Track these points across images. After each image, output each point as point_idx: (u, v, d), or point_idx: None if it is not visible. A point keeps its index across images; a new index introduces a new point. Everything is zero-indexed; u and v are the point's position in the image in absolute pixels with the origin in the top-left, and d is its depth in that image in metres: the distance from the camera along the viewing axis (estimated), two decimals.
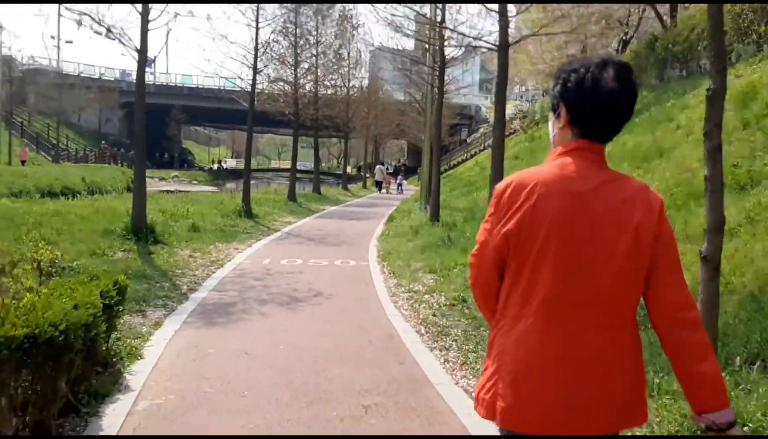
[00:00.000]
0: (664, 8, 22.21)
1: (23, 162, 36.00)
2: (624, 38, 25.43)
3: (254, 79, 17.07)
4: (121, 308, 5.09)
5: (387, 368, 5.15)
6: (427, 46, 15.42)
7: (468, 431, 3.99)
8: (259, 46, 17.51)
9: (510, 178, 1.82)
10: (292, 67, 23.61)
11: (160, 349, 5.50)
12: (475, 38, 9.33)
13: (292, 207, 21.95)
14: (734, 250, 6.23)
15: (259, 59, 17.46)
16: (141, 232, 10.75)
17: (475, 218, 13.51)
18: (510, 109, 56.71)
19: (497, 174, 8.90)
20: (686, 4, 22.43)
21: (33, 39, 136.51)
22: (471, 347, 5.76)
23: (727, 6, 15.29)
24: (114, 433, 3.84)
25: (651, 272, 1.77)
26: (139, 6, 10.52)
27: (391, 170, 49.39)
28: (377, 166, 44.27)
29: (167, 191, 37.76)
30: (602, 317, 1.74)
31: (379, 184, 40.54)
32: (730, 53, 13.76)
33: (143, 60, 10.70)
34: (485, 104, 65.05)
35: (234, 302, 7.32)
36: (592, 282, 1.73)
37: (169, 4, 10.54)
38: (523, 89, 60.17)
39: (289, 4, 22.56)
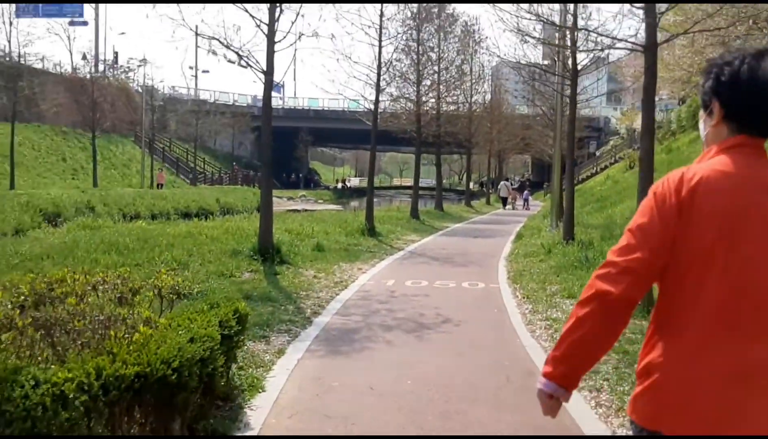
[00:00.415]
0: None
1: (160, 185, 38.37)
2: None
3: (377, 98, 16.94)
4: (241, 338, 4.81)
5: (529, 412, 4.50)
6: (556, 53, 14.58)
7: None
8: (382, 64, 17.41)
9: (669, 175, 1.69)
10: (415, 85, 23.39)
11: (283, 380, 5.18)
12: (615, 39, 8.46)
13: (415, 225, 21.61)
14: None
15: (381, 78, 17.35)
16: (267, 252, 10.72)
17: (613, 236, 12.46)
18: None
19: (645, 187, 7.96)
20: None
21: (173, 70, 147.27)
22: (626, 388, 4.98)
23: None
24: None
25: None
26: (265, 28, 10.57)
27: (515, 185, 48.09)
28: (502, 182, 43.30)
29: (294, 210, 38.89)
30: None
31: (504, 201, 39.62)
32: None
33: (270, 81, 10.73)
34: (614, 116, 62.15)
35: (358, 328, 6.93)
36: (763, 289, 1.63)
37: (295, 23, 10.48)
38: (657, 98, 56.80)
39: (411, 22, 22.40)
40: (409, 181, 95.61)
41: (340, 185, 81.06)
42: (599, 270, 1.73)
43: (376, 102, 16.90)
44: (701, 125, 1.82)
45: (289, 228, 15.10)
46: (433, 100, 26.28)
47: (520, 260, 12.58)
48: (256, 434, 4.11)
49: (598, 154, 55.71)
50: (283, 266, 10.71)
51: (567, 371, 1.78)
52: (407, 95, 23.50)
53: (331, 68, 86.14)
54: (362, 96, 17.08)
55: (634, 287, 1.68)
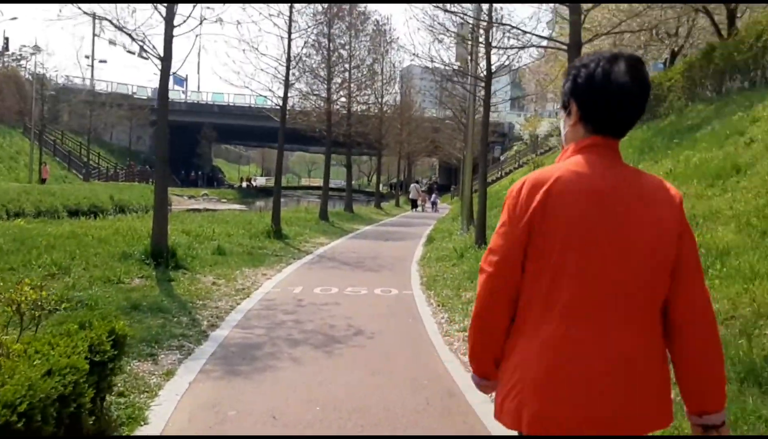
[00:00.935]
0: (720, 17, 20.85)
1: (44, 180, 35.49)
2: (674, 49, 24.06)
3: (286, 93, 16.17)
4: (118, 364, 4.04)
5: None
6: (470, 53, 14.36)
7: None
8: (292, 58, 16.64)
9: (524, 178, 1.77)
10: (325, 82, 22.74)
11: (170, 408, 4.44)
12: (538, 36, 8.19)
13: (324, 227, 20.95)
14: None
15: (290, 72, 16.57)
16: (161, 256, 9.78)
17: None
18: (545, 127, 55.55)
19: None
20: (744, 12, 21.08)
21: (69, 59, 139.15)
22: None
23: None
24: None
25: (675, 270, 1.74)
26: (163, 9, 9.63)
27: (424, 188, 48.43)
28: (412, 185, 43.50)
29: (196, 210, 37.24)
30: (628, 317, 1.70)
31: (413, 203, 39.89)
32: None
33: (167, 69, 9.80)
34: (518, 122, 63.84)
35: (261, 343, 6.24)
36: (617, 282, 1.69)
37: (197, 5, 9.61)
38: (558, 106, 58.80)
39: (322, 17, 21.73)
40: (317, 182, 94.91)
41: (245, 184, 79.07)
42: (480, 275, 1.81)
43: (285, 97, 16.12)
44: (561, 125, 1.87)
45: (187, 229, 14.10)
46: (343, 98, 25.75)
47: (433, 264, 12.21)
48: None
49: (502, 158, 57.05)
50: (178, 271, 9.81)
51: (479, 365, 1.89)
52: (317, 92, 22.82)
53: (237, 59, 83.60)
54: (270, 90, 16.25)
55: (504, 283, 1.76)
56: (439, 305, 8.38)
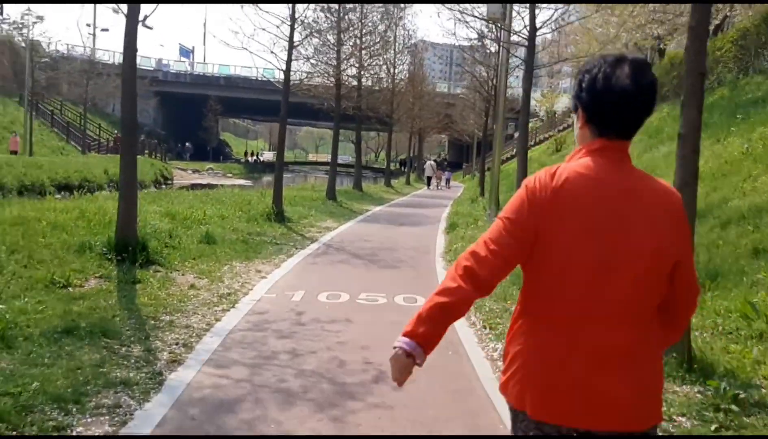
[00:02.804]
0: None
1: (14, 152, 32.69)
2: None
3: (290, 56, 14.01)
4: None
5: None
6: (503, 10, 12.11)
7: None
8: (296, 17, 14.48)
9: (539, 173, 1.82)
10: (334, 48, 20.51)
11: None
12: None
13: (331, 207, 18.89)
14: None
15: (295, 32, 14.41)
16: (127, 249, 7.76)
17: None
18: (563, 102, 53.09)
19: None
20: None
21: (72, 27, 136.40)
22: None
23: None
24: None
25: (674, 270, 1.81)
26: None
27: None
28: (427, 162, 41.73)
29: (198, 185, 35.26)
30: (629, 316, 1.77)
31: (428, 180, 38.47)
32: None
33: (134, 12, 7.70)
34: (534, 97, 61.36)
35: (237, 400, 4.21)
36: (620, 282, 1.74)
37: None
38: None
39: None
40: (324, 157, 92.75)
41: (252, 159, 76.97)
42: (474, 247, 1.83)
43: (288, 60, 13.96)
44: (574, 129, 1.93)
45: (172, 211, 12.06)
46: (354, 68, 23.55)
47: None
48: None
49: (516, 135, 54.78)
50: (150, 268, 7.80)
51: (428, 332, 1.85)
52: (326, 60, 20.59)
53: (234, 16, 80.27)
54: (272, 52, 14.04)
55: (499, 271, 1.81)
56: (485, 327, 6.34)
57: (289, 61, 14.09)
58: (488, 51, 23.77)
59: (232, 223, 12.46)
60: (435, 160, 52.14)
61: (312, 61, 19.06)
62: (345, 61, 21.76)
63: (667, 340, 1.93)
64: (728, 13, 20.27)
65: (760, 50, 16.97)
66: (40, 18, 41.30)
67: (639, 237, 1.75)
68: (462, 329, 6.20)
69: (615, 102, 1.77)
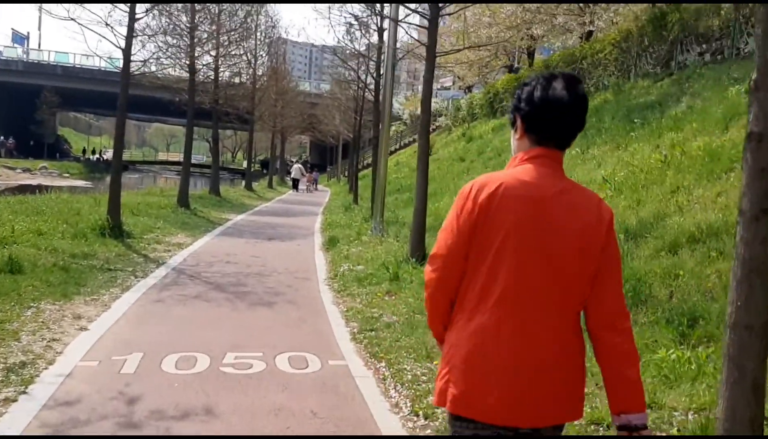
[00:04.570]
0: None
1: None
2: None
3: (130, 29, 11.26)
4: None
5: None
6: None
7: None
8: None
9: (475, 180, 1.92)
10: (186, 30, 17.72)
11: None
12: None
13: (184, 217, 16.13)
14: None
15: (139, 5, 11.68)
16: None
17: None
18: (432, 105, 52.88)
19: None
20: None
21: None
22: None
23: None
24: None
25: (595, 279, 1.89)
26: None
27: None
28: (295, 164, 40.01)
29: (27, 187, 30.51)
30: (552, 315, 1.86)
31: (294, 183, 36.95)
32: None
33: None
34: (396, 100, 60.85)
35: None
36: (546, 283, 1.84)
37: None
38: (437, 86, 56.54)
39: None
40: (176, 156, 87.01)
41: (95, 157, 70.27)
42: (427, 267, 2.01)
43: (129, 36, 11.19)
44: (512, 140, 2.05)
45: None
46: (211, 54, 20.84)
47: (355, 290, 8.10)
48: None
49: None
50: None
51: (436, 334, 2.07)
52: (176, 44, 17.75)
53: None
54: (106, 23, 11.18)
55: (449, 279, 1.94)
56: (413, 407, 4.34)
57: (129, 38, 11.35)
58: (360, 46, 21.98)
59: (51, 241, 9.61)
60: (303, 162, 50.20)
61: (160, 42, 16.18)
62: (199, 48, 19.01)
63: (609, 364, 1.91)
64: (601, 17, 19.95)
65: (642, 53, 16.51)
66: None
67: (568, 235, 1.85)
68: (382, 415, 4.16)
69: (553, 111, 1.91)
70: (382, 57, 16.40)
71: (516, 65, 34.42)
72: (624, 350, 1.88)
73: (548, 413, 1.85)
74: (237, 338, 5.82)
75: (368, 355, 5.50)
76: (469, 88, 44.31)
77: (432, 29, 8.85)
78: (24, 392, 4.24)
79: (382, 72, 16.57)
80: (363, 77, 21.90)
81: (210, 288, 8.01)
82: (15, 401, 4.11)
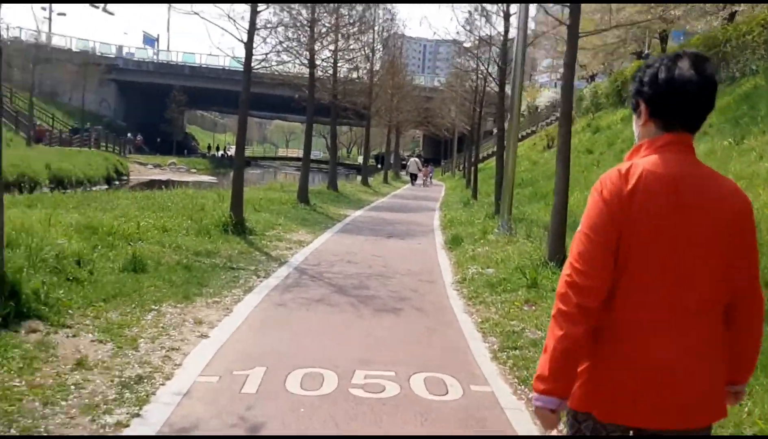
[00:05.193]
0: None
1: None
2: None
3: (252, 22, 11.07)
4: None
5: None
6: None
7: None
8: None
9: (609, 175, 1.80)
10: (307, 24, 17.56)
11: None
12: None
13: (304, 213, 15.98)
14: None
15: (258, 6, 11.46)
16: None
17: None
18: (545, 97, 51.00)
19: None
20: None
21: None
22: None
23: None
24: None
25: (737, 267, 1.80)
26: None
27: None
28: (412, 158, 39.97)
29: (157, 182, 32.01)
30: (699, 311, 1.76)
31: (413, 177, 37.00)
32: None
33: None
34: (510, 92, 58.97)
35: None
36: (696, 284, 1.75)
37: None
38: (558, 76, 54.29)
39: None
40: (295, 152, 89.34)
41: (219, 153, 73.41)
42: (570, 277, 1.76)
43: (251, 28, 11.01)
44: (634, 127, 1.94)
45: (95, 223, 9.09)
46: (329, 49, 20.66)
47: (488, 296, 7.35)
48: None
49: (495, 131, 52.57)
50: (20, 326, 4.92)
51: (565, 384, 1.80)
52: (297, 37, 17.63)
53: None
54: (229, 16, 11.04)
55: (604, 294, 1.75)
56: None
57: (251, 32, 11.16)
58: (480, 34, 21.06)
59: (175, 238, 9.54)
60: (417, 156, 49.95)
61: (280, 37, 16.09)
62: (319, 42, 18.83)
63: (735, 341, 1.86)
64: None
65: None
66: None
67: (716, 225, 1.75)
68: None
69: (680, 94, 1.77)
70: (508, 44, 15.48)
71: (646, 51, 32.21)
72: (757, 331, 1.88)
73: (700, 412, 1.79)
74: (365, 351, 5.26)
75: (516, 380, 4.75)
76: (592, 78, 42.14)
77: (575, 8, 7.90)
78: (137, 415, 3.85)
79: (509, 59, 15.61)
80: (485, 67, 20.98)
81: (333, 291, 7.54)
82: (127, 425, 3.71)
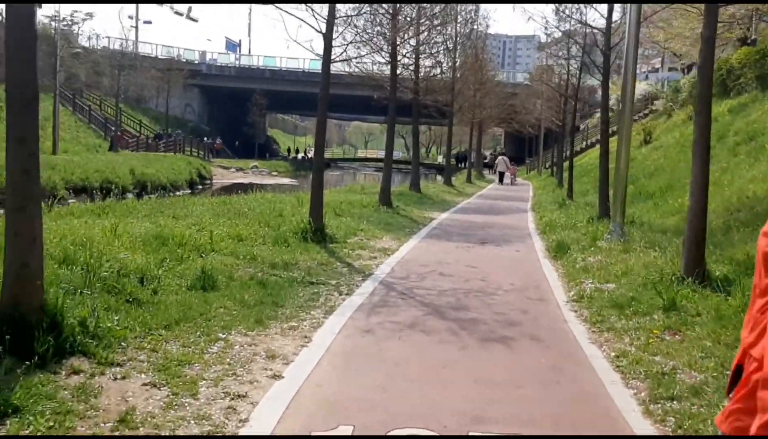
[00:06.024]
0: None
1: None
2: None
3: (332, 12, 10.14)
4: None
5: None
6: None
7: None
8: None
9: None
10: (388, 15, 16.55)
11: None
12: None
13: (386, 216, 14.97)
14: None
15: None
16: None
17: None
18: (640, 89, 48.24)
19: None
20: None
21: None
22: None
23: None
24: None
25: None
26: None
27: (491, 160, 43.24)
28: (499, 157, 39.22)
29: (239, 185, 31.91)
30: None
31: (500, 176, 36.52)
32: None
33: None
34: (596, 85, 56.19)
35: None
36: None
37: None
38: (648, 68, 51.28)
39: None
40: (374, 153, 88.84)
41: (299, 156, 73.77)
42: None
43: (331, 18, 10.08)
44: None
45: (164, 234, 8.35)
46: (411, 45, 19.59)
47: (616, 320, 6.05)
48: None
49: (582, 127, 50.32)
50: (63, 363, 4.10)
51: None
52: (378, 31, 16.65)
53: None
54: (306, 5, 10.14)
55: None
56: None
57: (330, 23, 10.23)
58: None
59: (250, 248, 8.70)
60: (502, 154, 48.49)
61: (359, 29, 15.17)
62: (400, 34, 17.78)
63: None
64: None
65: None
66: (90, 15, 38.82)
67: None
68: None
69: None
70: (613, 26, 13.98)
71: (753, 36, 29.50)
72: None
73: None
74: (476, 402, 4.13)
75: None
76: (689, 68, 39.36)
77: None
78: None
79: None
80: (587, 54, 19.40)
81: (426, 312, 6.44)
82: None
